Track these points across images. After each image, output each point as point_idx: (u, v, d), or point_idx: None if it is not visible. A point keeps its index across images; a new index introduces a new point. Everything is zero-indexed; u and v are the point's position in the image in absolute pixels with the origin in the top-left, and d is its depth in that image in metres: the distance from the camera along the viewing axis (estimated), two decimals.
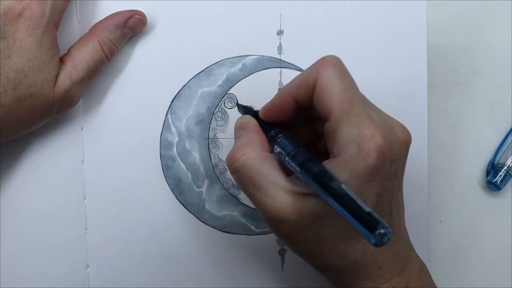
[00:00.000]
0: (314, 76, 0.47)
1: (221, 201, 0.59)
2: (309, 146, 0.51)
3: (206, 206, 0.59)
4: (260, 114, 0.52)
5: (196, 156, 0.59)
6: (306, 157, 0.46)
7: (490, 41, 0.67)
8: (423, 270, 0.53)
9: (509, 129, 0.67)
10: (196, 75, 0.59)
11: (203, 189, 0.59)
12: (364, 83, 0.58)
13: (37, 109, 0.53)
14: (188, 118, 0.59)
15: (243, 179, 0.48)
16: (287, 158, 0.47)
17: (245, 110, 0.55)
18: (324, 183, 0.43)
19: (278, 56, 0.59)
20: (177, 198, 0.59)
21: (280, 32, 0.59)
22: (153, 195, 0.59)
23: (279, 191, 0.46)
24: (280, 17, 0.59)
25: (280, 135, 0.49)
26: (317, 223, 0.46)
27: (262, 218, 0.48)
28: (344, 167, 0.44)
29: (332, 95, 0.46)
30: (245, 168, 0.47)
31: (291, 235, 0.48)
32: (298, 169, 0.45)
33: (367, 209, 0.40)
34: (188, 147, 0.59)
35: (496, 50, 0.67)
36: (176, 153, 0.59)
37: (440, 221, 0.67)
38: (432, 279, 0.53)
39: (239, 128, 0.52)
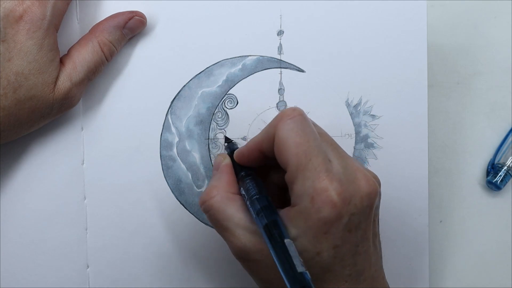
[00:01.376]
0: (273, 129, 0.48)
1: None
2: (285, 189, 0.51)
3: None
4: (234, 156, 0.53)
5: (196, 156, 0.59)
6: (263, 205, 0.48)
7: (490, 41, 0.67)
8: None
9: (509, 129, 0.67)
10: (196, 75, 0.59)
11: (203, 189, 0.59)
12: (364, 83, 0.58)
13: (37, 111, 0.53)
14: (188, 119, 0.59)
15: (212, 220, 0.50)
16: (248, 202, 0.49)
17: (227, 145, 0.57)
18: (271, 234, 0.45)
19: (278, 57, 0.59)
20: (177, 198, 0.59)
21: (280, 33, 0.59)
22: (153, 195, 0.59)
23: (243, 232, 0.48)
24: (280, 18, 0.59)
25: (248, 178, 0.51)
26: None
27: (234, 255, 0.50)
28: (299, 217, 0.46)
29: (288, 149, 0.47)
30: (212, 211, 0.50)
31: (256, 273, 0.49)
32: (254, 216, 0.48)
33: (300, 269, 0.43)
34: (188, 147, 0.59)
35: (496, 50, 0.67)
36: (176, 153, 0.59)
37: (440, 221, 0.67)
38: None
39: (214, 167, 0.54)
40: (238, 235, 0.48)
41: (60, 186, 0.58)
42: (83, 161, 0.58)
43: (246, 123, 0.59)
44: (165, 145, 0.59)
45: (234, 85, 0.59)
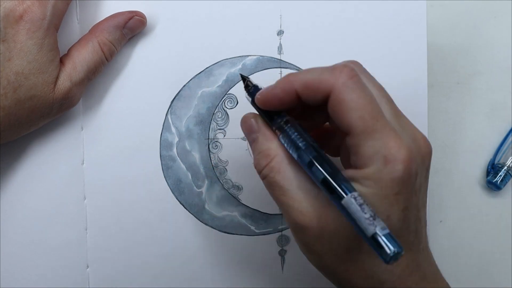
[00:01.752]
0: (328, 85, 0.45)
1: (221, 201, 0.59)
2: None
3: (206, 207, 0.59)
4: (256, 100, 0.48)
5: (196, 156, 0.59)
6: (314, 156, 0.44)
7: (490, 41, 0.67)
8: None
9: (509, 129, 0.67)
10: (196, 75, 0.59)
11: (203, 189, 0.59)
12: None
13: (37, 110, 0.53)
14: (188, 119, 0.59)
15: (271, 185, 0.47)
16: (296, 153, 0.45)
17: (252, 90, 0.50)
18: (333, 189, 0.42)
19: (278, 57, 0.59)
20: (177, 199, 0.59)
21: (280, 33, 0.59)
22: (153, 195, 0.59)
23: (305, 196, 0.45)
24: (280, 18, 0.59)
25: (287, 126, 0.47)
26: (341, 235, 0.44)
27: (287, 223, 0.47)
28: (370, 180, 0.43)
29: (351, 112, 0.44)
30: (272, 175, 0.46)
31: (313, 245, 0.46)
32: (307, 169, 0.44)
33: (371, 231, 0.40)
34: (188, 147, 0.59)
35: (496, 50, 0.67)
36: (176, 153, 0.59)
37: (440, 221, 0.67)
38: None
39: (250, 130, 0.49)
40: (301, 200, 0.45)
41: (60, 186, 0.58)
42: (83, 161, 0.58)
43: None
44: (165, 145, 0.59)
45: (234, 85, 0.59)
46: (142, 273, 0.60)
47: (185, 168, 0.59)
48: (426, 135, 0.56)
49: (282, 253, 0.60)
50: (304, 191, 0.45)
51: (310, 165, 0.44)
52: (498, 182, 0.66)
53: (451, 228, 0.67)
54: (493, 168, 0.67)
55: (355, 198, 0.41)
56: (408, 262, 0.46)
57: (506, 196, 0.67)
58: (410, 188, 0.44)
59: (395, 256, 0.39)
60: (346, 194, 0.41)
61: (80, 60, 0.54)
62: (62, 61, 0.54)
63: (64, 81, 0.53)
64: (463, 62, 0.67)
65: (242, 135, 0.57)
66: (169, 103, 0.59)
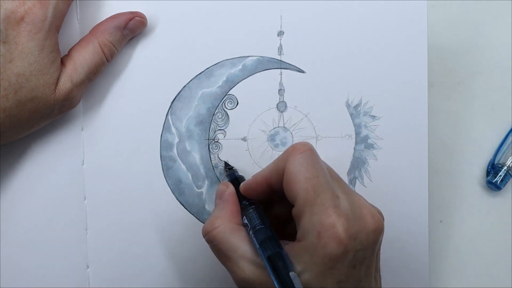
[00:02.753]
0: (283, 163, 0.49)
1: None
2: (287, 221, 0.52)
3: (206, 207, 0.59)
4: (240, 188, 0.53)
5: (196, 156, 0.59)
6: (267, 235, 0.48)
7: (490, 41, 0.67)
8: None
9: (509, 129, 0.67)
10: (196, 76, 0.59)
11: (203, 189, 0.59)
12: (364, 83, 0.58)
13: (38, 112, 0.52)
14: (188, 119, 0.59)
15: (215, 250, 0.51)
16: (251, 232, 0.49)
17: (228, 172, 0.57)
18: (276, 266, 0.45)
19: (278, 57, 0.59)
20: (177, 199, 0.59)
21: (280, 33, 0.59)
22: (153, 195, 0.59)
23: (246, 263, 0.48)
24: (281, 18, 0.59)
25: (251, 207, 0.51)
26: None
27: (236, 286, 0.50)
28: (304, 252, 0.46)
29: (297, 183, 0.47)
30: (216, 241, 0.50)
31: None
32: (257, 246, 0.48)
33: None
34: (188, 147, 0.59)
35: (496, 50, 0.67)
36: (176, 153, 0.59)
37: (440, 221, 0.67)
38: None
39: (217, 196, 0.54)
40: (242, 267, 0.48)
41: (60, 186, 0.58)
42: (83, 161, 0.58)
43: (246, 124, 0.59)
44: (165, 145, 0.59)
45: (234, 86, 0.59)
46: (142, 274, 0.60)
47: (185, 169, 0.59)
48: (426, 135, 0.57)
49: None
50: (245, 260, 0.48)
51: (261, 244, 0.47)
52: (498, 182, 0.66)
53: (451, 228, 0.67)
54: (493, 168, 0.67)
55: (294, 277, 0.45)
56: None
57: (506, 196, 0.67)
58: (346, 263, 0.46)
59: None
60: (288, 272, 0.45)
61: (81, 61, 0.54)
62: (62, 62, 0.54)
63: (65, 83, 0.53)
64: (463, 62, 0.67)
65: (242, 135, 0.58)
66: (169, 104, 0.59)
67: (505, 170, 0.66)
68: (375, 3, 0.59)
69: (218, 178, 0.59)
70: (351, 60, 0.59)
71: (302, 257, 0.46)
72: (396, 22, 0.59)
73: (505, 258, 0.67)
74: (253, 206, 0.51)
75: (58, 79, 0.53)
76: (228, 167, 0.58)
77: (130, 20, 0.56)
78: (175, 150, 0.59)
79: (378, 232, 0.48)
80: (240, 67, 0.59)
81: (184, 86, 0.59)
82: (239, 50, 0.59)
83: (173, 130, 0.59)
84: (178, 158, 0.59)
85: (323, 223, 0.45)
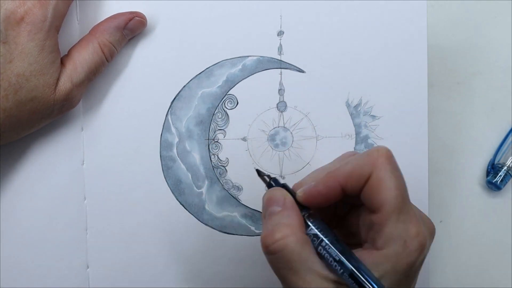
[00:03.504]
0: (369, 168, 0.47)
1: (221, 201, 0.59)
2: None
3: (206, 207, 0.59)
4: (299, 198, 0.49)
5: (196, 156, 0.59)
6: (342, 249, 0.46)
7: (490, 41, 0.67)
8: None
9: (509, 129, 0.67)
10: (196, 75, 0.59)
11: (203, 189, 0.59)
12: (364, 83, 0.58)
13: (38, 112, 0.52)
14: (188, 119, 0.59)
15: (281, 261, 0.46)
16: (322, 244, 0.46)
17: (273, 180, 0.52)
18: (361, 281, 0.44)
19: (278, 57, 0.59)
20: (177, 199, 0.59)
21: (280, 33, 0.59)
22: (153, 195, 0.59)
23: (316, 277, 0.45)
24: (281, 18, 0.59)
25: (311, 219, 0.48)
26: None
27: None
28: (387, 261, 0.45)
29: (387, 190, 0.46)
30: (285, 252, 0.46)
31: None
32: (332, 260, 0.46)
33: None
34: (188, 147, 0.59)
35: (496, 50, 0.67)
36: (176, 153, 0.59)
37: (440, 221, 0.67)
38: None
39: (273, 203, 0.49)
40: (310, 280, 0.45)
41: (60, 186, 0.58)
42: (83, 161, 0.58)
43: (246, 124, 0.59)
44: (165, 145, 0.59)
45: (234, 86, 0.59)
46: (142, 274, 0.60)
47: (185, 169, 0.59)
48: (426, 135, 0.57)
49: None
50: (315, 273, 0.45)
51: (336, 260, 0.45)
52: (498, 182, 0.66)
53: (451, 228, 0.67)
54: (493, 168, 0.67)
55: None
56: None
57: (506, 196, 0.67)
58: (418, 269, 0.46)
59: None
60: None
61: (81, 61, 0.54)
62: (62, 62, 0.54)
63: (65, 83, 0.53)
64: (463, 62, 0.67)
65: (242, 135, 0.58)
66: (169, 104, 0.59)
67: (505, 170, 0.66)
68: (375, 3, 0.59)
69: (218, 179, 0.59)
70: (351, 60, 0.59)
71: (382, 266, 0.45)
72: (396, 22, 0.59)
73: (505, 258, 0.67)
74: (312, 219, 0.48)
75: (58, 79, 0.53)
76: (263, 175, 0.53)
77: (130, 20, 0.56)
78: (175, 150, 0.59)
79: (434, 235, 0.49)
80: (240, 67, 0.59)
81: (184, 86, 0.59)
82: (239, 50, 0.59)
83: (173, 130, 0.59)
84: (178, 158, 0.59)
85: (410, 231, 0.45)
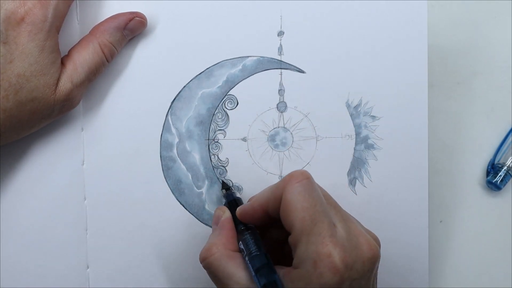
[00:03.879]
0: (280, 191, 0.49)
1: (221, 202, 0.59)
2: (284, 243, 0.51)
3: (206, 207, 0.59)
4: (237, 213, 0.54)
5: (196, 157, 0.59)
6: (263, 263, 0.48)
7: (490, 41, 0.67)
8: None
9: (509, 129, 0.67)
10: (196, 76, 0.59)
11: (203, 189, 0.59)
12: (364, 84, 0.58)
13: (38, 112, 0.52)
14: (188, 119, 0.59)
15: (212, 277, 0.51)
16: (247, 258, 0.49)
17: (225, 193, 0.58)
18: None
19: (278, 57, 0.59)
20: (177, 199, 0.59)
21: (280, 33, 0.59)
22: (153, 195, 0.59)
23: None
24: (281, 18, 0.59)
25: (247, 232, 0.52)
26: None
27: None
28: (300, 280, 0.46)
29: (294, 212, 0.47)
30: (212, 268, 0.50)
31: None
32: (253, 273, 0.48)
33: None
34: (188, 148, 0.59)
35: (496, 50, 0.67)
36: (176, 154, 0.59)
37: (440, 221, 0.67)
38: None
39: (213, 221, 0.55)
40: None
41: (60, 186, 0.58)
42: (83, 161, 0.58)
43: (246, 124, 0.59)
44: (165, 145, 0.59)
45: (234, 86, 0.59)
46: (142, 274, 0.60)
47: (185, 169, 0.59)
48: (426, 135, 0.57)
49: None
50: (242, 286, 0.49)
51: (256, 271, 0.48)
52: (498, 182, 0.66)
53: (451, 228, 0.67)
54: (493, 168, 0.67)
55: None
56: None
57: (506, 196, 0.67)
58: None
59: None
60: None
61: (81, 62, 0.54)
62: (63, 62, 0.54)
63: (65, 83, 0.53)
64: (463, 62, 0.67)
65: (242, 135, 0.58)
66: (169, 104, 0.59)
67: (505, 170, 0.66)
68: (375, 3, 0.59)
69: (218, 178, 0.59)
70: (351, 60, 0.59)
71: (297, 284, 0.46)
72: (396, 22, 0.59)
73: (505, 258, 0.67)
74: (249, 231, 0.52)
75: (58, 80, 0.52)
76: (225, 187, 0.59)
77: (130, 20, 0.56)
78: (175, 150, 0.59)
79: (374, 260, 0.48)
80: (240, 67, 0.59)
81: (184, 86, 0.59)
82: (239, 50, 0.59)
83: (173, 130, 0.59)
84: (178, 158, 0.59)
85: (319, 253, 0.45)
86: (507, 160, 0.66)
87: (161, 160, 0.59)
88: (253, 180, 0.59)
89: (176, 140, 0.59)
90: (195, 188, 0.59)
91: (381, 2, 0.59)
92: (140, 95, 0.58)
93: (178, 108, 0.59)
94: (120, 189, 0.59)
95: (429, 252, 0.61)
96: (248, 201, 0.54)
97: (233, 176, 0.60)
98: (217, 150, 0.59)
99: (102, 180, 0.59)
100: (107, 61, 0.56)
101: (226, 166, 0.59)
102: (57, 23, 0.52)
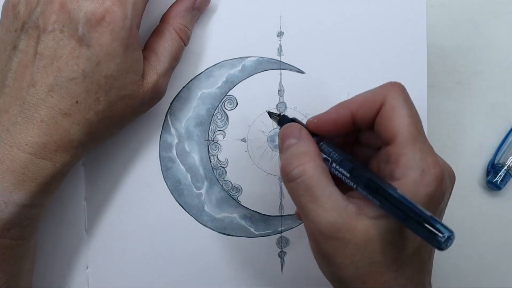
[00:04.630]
0: (381, 97, 0.46)
1: (220, 203, 0.59)
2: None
3: (206, 208, 0.59)
4: (308, 123, 0.50)
5: (195, 157, 0.59)
6: (354, 164, 0.45)
7: (490, 41, 0.67)
8: None
9: (509, 129, 0.67)
10: (195, 76, 0.59)
11: (203, 190, 0.59)
12: (364, 83, 0.58)
13: (129, 109, 0.52)
14: (188, 120, 0.59)
15: (300, 188, 0.45)
16: (334, 164, 0.46)
17: (283, 118, 0.53)
18: (379, 188, 0.43)
19: (278, 58, 0.59)
20: (176, 200, 0.59)
21: (280, 34, 0.59)
22: (152, 196, 0.59)
23: (336, 205, 0.44)
24: (280, 19, 0.59)
25: (322, 142, 0.48)
26: (368, 247, 0.44)
27: (308, 231, 0.46)
28: (405, 191, 0.43)
29: (401, 119, 0.45)
30: (304, 177, 0.45)
31: (335, 256, 0.45)
32: (348, 175, 0.45)
33: (428, 213, 0.41)
34: (187, 148, 0.59)
35: (496, 50, 0.67)
36: (175, 154, 0.59)
37: None
38: None
39: (289, 135, 0.49)
40: (329, 209, 0.44)
41: (60, 186, 0.58)
42: (83, 162, 0.58)
43: (245, 125, 0.59)
44: (164, 146, 0.59)
45: (233, 86, 0.59)
46: (141, 274, 0.60)
47: (184, 170, 0.59)
48: (426, 135, 0.57)
49: (281, 255, 0.60)
50: (334, 201, 0.44)
51: (351, 171, 0.45)
52: (498, 182, 0.66)
53: (451, 227, 0.66)
54: (493, 168, 0.67)
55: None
56: (426, 277, 0.48)
57: (506, 196, 0.67)
58: (436, 206, 0.45)
59: (448, 241, 0.41)
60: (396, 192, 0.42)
61: (162, 51, 0.54)
62: (144, 55, 0.53)
63: (151, 76, 0.53)
64: (463, 62, 0.67)
65: (242, 136, 0.58)
66: (169, 105, 0.59)
67: (505, 170, 0.66)
68: (374, 3, 0.59)
69: (217, 179, 0.59)
70: (350, 60, 0.59)
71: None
72: (395, 22, 0.59)
73: (505, 258, 0.67)
74: (322, 142, 0.48)
75: (143, 74, 0.52)
76: (274, 115, 0.55)
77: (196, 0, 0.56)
78: (174, 151, 0.59)
79: (454, 178, 0.48)
80: (239, 67, 0.59)
81: (183, 87, 0.59)
82: (238, 50, 0.59)
83: (172, 131, 0.59)
84: (177, 159, 0.59)
85: (428, 161, 0.43)
86: (507, 160, 0.66)
87: (160, 160, 0.59)
88: (253, 181, 0.59)
89: (176, 140, 0.59)
90: (194, 189, 0.59)
91: (380, 2, 0.59)
92: None
93: (177, 109, 0.59)
94: (119, 189, 0.59)
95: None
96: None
97: (232, 177, 0.60)
98: (216, 150, 0.59)
99: (102, 180, 0.59)
100: (185, 44, 0.56)
101: (226, 167, 0.59)
102: (137, 20, 0.51)
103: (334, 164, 0.46)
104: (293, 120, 0.52)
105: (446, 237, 0.40)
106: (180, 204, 0.59)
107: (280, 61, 0.59)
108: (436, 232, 0.40)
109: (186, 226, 0.59)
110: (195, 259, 0.59)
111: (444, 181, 0.44)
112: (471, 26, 0.67)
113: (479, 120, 0.67)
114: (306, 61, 0.59)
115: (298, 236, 0.61)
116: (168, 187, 0.59)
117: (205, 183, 0.59)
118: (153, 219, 0.59)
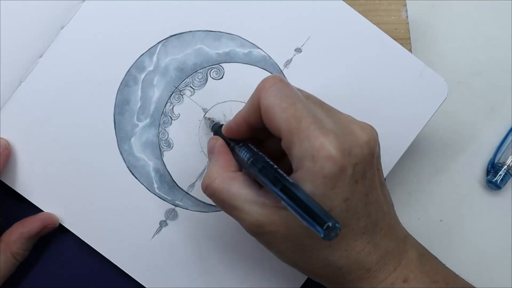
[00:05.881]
0: (257, 100, 0.48)
1: (147, 145, 0.59)
2: (280, 158, 0.51)
3: (132, 140, 0.59)
4: (223, 131, 0.53)
5: (156, 93, 0.59)
6: (264, 162, 0.47)
7: (490, 41, 0.68)
8: (424, 257, 0.52)
9: (509, 128, 0.67)
10: (206, 30, 0.59)
11: (141, 124, 0.59)
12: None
13: None
14: (173, 60, 0.59)
15: (218, 202, 0.50)
16: (247, 166, 0.49)
17: (213, 125, 0.57)
18: (277, 180, 0.45)
19: (282, 68, 0.60)
20: (113, 115, 0.59)
21: (298, 50, 0.60)
22: (94, 98, 0.58)
23: (253, 206, 0.47)
24: (308, 38, 0.60)
25: (237, 146, 0.51)
26: (293, 235, 0.47)
27: (247, 232, 0.49)
28: (304, 181, 0.45)
29: (276, 116, 0.47)
30: (217, 194, 0.49)
31: (273, 245, 0.49)
32: (257, 173, 0.47)
33: (315, 205, 0.42)
34: (155, 82, 0.59)
35: (496, 50, 0.68)
36: (142, 78, 0.59)
37: (440, 221, 0.66)
38: (437, 261, 0.53)
39: (209, 151, 0.54)
40: (249, 211, 0.47)
41: None
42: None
43: (215, 99, 0.60)
44: (138, 65, 0.59)
45: (230, 62, 0.59)
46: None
47: (139, 95, 0.58)
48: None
49: (162, 224, 0.59)
50: (251, 203, 0.48)
51: (260, 171, 0.47)
52: (498, 181, 0.65)
53: (451, 227, 0.66)
54: (493, 167, 0.66)
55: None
56: (364, 245, 0.48)
57: (506, 196, 0.67)
58: (347, 180, 0.45)
59: (331, 232, 0.41)
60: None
61: None
62: None
63: None
64: (463, 62, 0.68)
65: (206, 106, 0.59)
66: (168, 35, 0.59)
67: (505, 169, 0.65)
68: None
69: (159, 124, 0.59)
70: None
71: (304, 185, 0.45)
72: None
73: (505, 258, 0.66)
74: (240, 144, 0.51)
75: None
76: (209, 120, 0.58)
77: (41, 229, 0.58)
78: (143, 74, 0.58)
79: (372, 143, 0.47)
80: (246, 51, 0.60)
81: (191, 31, 0.59)
82: (253, 35, 0.60)
83: (155, 57, 0.58)
84: (141, 83, 0.59)
85: (313, 146, 0.44)
86: (507, 160, 0.66)
87: (126, 74, 0.58)
88: (186, 148, 0.59)
89: (151, 68, 0.58)
90: (135, 117, 0.59)
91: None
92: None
93: (172, 44, 0.59)
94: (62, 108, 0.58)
95: (429, 251, 0.60)
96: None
97: (172, 132, 0.59)
98: (177, 102, 0.59)
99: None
100: (20, 261, 0.58)
101: (174, 119, 0.59)
102: None
103: (247, 166, 0.49)
104: (221, 127, 0.54)
105: (325, 228, 0.41)
106: (114, 121, 0.58)
107: (282, 72, 0.59)
108: (315, 224, 0.42)
109: (106, 145, 0.58)
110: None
111: (345, 154, 0.45)
112: (471, 26, 0.68)
113: (479, 120, 0.67)
114: (308, 81, 0.59)
115: (188, 219, 0.60)
116: (115, 99, 0.58)
117: (147, 120, 0.59)
118: (81, 123, 0.58)
